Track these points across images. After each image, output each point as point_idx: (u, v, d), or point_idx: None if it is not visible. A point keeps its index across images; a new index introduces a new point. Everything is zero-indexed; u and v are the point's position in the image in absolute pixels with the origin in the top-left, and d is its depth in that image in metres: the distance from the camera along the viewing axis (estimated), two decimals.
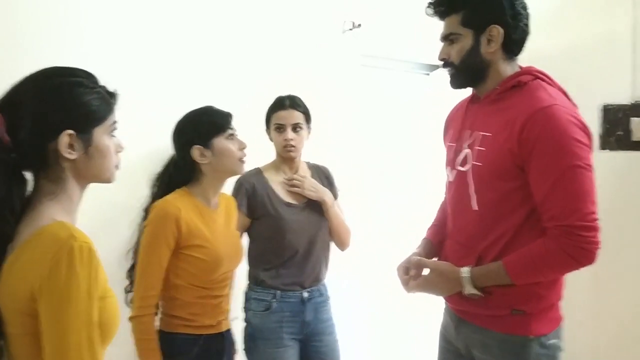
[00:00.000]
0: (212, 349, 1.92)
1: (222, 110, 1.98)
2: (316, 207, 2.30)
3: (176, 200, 1.87)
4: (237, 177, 2.14)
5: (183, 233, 1.84)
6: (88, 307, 1.05)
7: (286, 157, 2.28)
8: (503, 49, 1.68)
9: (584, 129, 1.60)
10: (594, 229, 1.53)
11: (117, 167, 1.23)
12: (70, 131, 1.12)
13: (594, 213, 1.54)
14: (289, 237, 2.21)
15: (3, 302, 1.08)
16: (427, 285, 1.75)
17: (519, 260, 1.60)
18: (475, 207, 1.69)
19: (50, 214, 1.12)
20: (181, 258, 1.86)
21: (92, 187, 1.23)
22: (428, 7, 1.76)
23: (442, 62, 1.78)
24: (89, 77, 1.20)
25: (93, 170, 1.18)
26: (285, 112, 2.26)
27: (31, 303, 1.05)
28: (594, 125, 3.14)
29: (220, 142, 1.92)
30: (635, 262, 3.07)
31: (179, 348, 1.87)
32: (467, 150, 1.72)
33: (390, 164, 3.57)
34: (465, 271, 1.66)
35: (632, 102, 3.08)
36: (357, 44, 2.97)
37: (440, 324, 1.94)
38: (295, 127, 2.25)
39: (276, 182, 2.28)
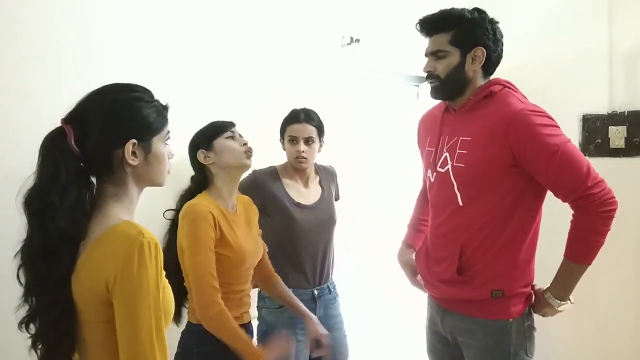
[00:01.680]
0: None
1: (224, 120, 2.08)
2: (326, 208, 2.42)
3: (204, 202, 1.95)
4: (251, 170, 2.22)
5: (216, 232, 1.91)
6: (156, 296, 1.18)
7: (297, 167, 2.39)
8: (482, 69, 1.91)
9: (546, 114, 1.84)
10: (601, 181, 1.80)
11: (169, 171, 1.37)
12: (134, 140, 1.26)
13: (593, 172, 1.79)
14: (299, 235, 2.33)
15: (78, 293, 1.20)
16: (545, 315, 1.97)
17: (577, 248, 1.83)
18: (460, 203, 1.88)
19: (117, 214, 1.26)
20: None
21: None
22: (418, 23, 1.95)
23: (426, 74, 1.97)
24: (145, 92, 1.34)
25: (150, 175, 1.32)
26: (299, 125, 2.37)
27: (106, 293, 1.17)
28: (575, 133, 3.33)
29: (219, 141, 2.01)
30: (613, 262, 3.25)
31: (203, 339, 1.94)
32: (446, 154, 1.93)
33: (386, 167, 3.69)
34: (549, 297, 1.89)
35: (610, 112, 3.27)
36: (355, 57, 3.10)
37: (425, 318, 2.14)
38: (308, 140, 2.36)
39: (288, 184, 2.39)
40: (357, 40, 3.07)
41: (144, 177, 1.31)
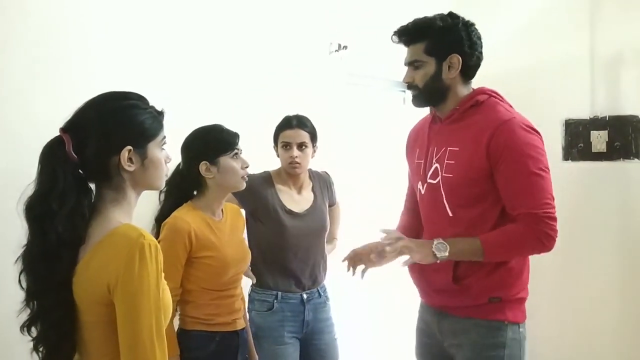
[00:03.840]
0: (227, 346, 2.04)
1: (231, 131, 2.09)
2: (317, 216, 2.46)
3: (186, 216, 2.00)
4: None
5: (194, 245, 1.97)
6: (156, 295, 1.21)
7: (291, 173, 2.41)
8: (461, 74, 1.90)
9: (537, 134, 1.85)
10: (555, 219, 1.78)
11: (166, 175, 1.42)
12: (129, 147, 1.29)
13: (554, 207, 1.79)
14: (289, 242, 2.35)
15: (79, 295, 1.24)
16: (404, 250, 1.84)
17: (494, 238, 1.81)
18: (450, 213, 1.88)
19: (117, 217, 1.30)
20: (192, 265, 1.99)
21: None
22: (394, 35, 1.96)
23: (406, 84, 1.98)
24: (140, 99, 1.37)
25: (148, 179, 1.36)
26: (292, 131, 2.40)
27: (107, 294, 1.21)
28: (557, 138, 3.40)
29: (225, 160, 2.04)
30: (596, 263, 3.33)
31: (196, 344, 1.98)
32: (436, 165, 1.92)
33: (374, 171, 3.72)
34: (436, 241, 1.81)
35: (591, 116, 3.35)
36: (342, 64, 3.15)
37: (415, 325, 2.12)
38: (301, 146, 2.39)
39: (281, 190, 2.42)
40: (345, 47, 3.12)
41: (141, 182, 1.35)
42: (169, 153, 1.42)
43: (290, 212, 2.40)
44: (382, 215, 3.75)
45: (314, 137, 2.45)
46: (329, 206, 2.60)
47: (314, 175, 2.57)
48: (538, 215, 1.76)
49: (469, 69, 1.91)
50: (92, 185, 1.33)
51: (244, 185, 2.10)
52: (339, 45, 3.11)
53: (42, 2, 2.11)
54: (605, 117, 3.31)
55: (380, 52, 3.33)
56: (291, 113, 2.49)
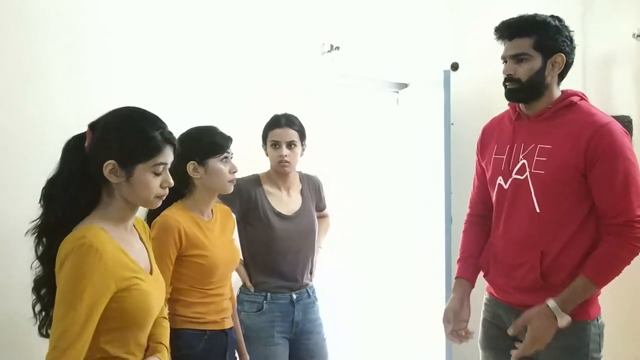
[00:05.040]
0: (216, 344, 2.05)
1: (224, 134, 2.10)
2: (306, 218, 2.46)
3: (175, 214, 2.01)
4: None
5: (184, 243, 1.98)
6: (78, 288, 1.31)
7: (281, 172, 2.42)
8: (558, 74, 1.95)
9: (630, 140, 1.91)
10: None
11: (158, 197, 1.49)
12: (113, 161, 1.40)
13: None
14: (278, 244, 2.36)
15: None
16: (538, 335, 1.86)
17: (598, 267, 1.84)
18: (537, 209, 1.90)
19: (92, 219, 1.42)
20: (182, 264, 2.00)
21: None
22: (500, 26, 1.98)
23: (505, 77, 1.97)
24: (152, 123, 1.47)
25: (133, 195, 1.45)
26: (281, 130, 2.40)
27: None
28: None
29: (214, 162, 2.04)
30: None
31: (185, 342, 1.98)
32: (523, 161, 1.94)
33: (367, 172, 3.75)
34: (552, 304, 1.84)
35: None
36: (334, 64, 3.16)
37: (482, 313, 2.12)
38: (290, 144, 2.40)
39: (270, 192, 2.43)
40: (337, 48, 3.13)
41: (127, 195, 1.45)
42: (169, 178, 1.49)
43: (279, 215, 2.41)
44: (373, 217, 3.79)
45: (302, 135, 2.46)
46: (319, 211, 2.61)
47: (303, 178, 2.58)
48: (631, 221, 1.81)
49: (566, 70, 1.97)
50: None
51: (231, 189, 2.11)
52: (331, 46, 3.13)
53: (35, 1, 2.12)
54: None
55: (372, 53, 3.36)
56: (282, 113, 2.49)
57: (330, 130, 3.25)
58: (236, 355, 2.23)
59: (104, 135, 1.42)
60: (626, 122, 3.23)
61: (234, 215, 2.33)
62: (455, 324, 2.07)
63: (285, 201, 2.46)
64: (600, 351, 1.94)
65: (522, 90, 1.95)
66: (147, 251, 1.58)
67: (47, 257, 1.41)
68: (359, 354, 3.53)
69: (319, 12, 3.14)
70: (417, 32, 3.60)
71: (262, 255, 2.39)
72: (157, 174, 1.45)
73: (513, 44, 1.95)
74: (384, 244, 3.70)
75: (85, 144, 1.42)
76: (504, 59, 1.98)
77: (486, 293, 2.12)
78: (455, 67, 3.17)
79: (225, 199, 2.27)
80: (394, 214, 3.76)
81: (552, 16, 1.97)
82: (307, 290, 2.48)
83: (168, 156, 1.47)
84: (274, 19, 2.94)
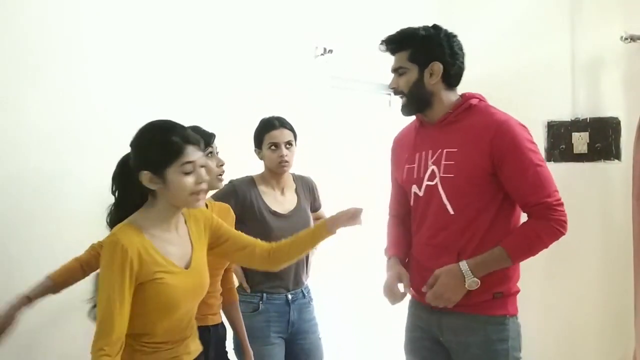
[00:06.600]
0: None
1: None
2: (301, 217, 2.49)
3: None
4: (229, 180, 2.31)
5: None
6: (110, 280, 1.51)
7: (280, 172, 2.46)
8: (443, 81, 1.99)
9: (529, 132, 1.96)
10: (563, 205, 1.90)
11: (195, 194, 1.60)
12: (146, 172, 1.57)
13: (558, 194, 1.90)
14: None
15: None
16: (442, 291, 1.90)
17: (516, 241, 1.90)
18: (451, 211, 1.95)
19: (131, 218, 1.61)
20: None
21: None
22: (381, 44, 2.05)
23: (392, 90, 2.07)
24: (168, 128, 1.60)
25: (172, 197, 1.61)
26: (278, 131, 2.44)
27: None
28: (540, 139, 3.45)
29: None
30: (578, 262, 3.39)
31: None
32: (432, 167, 1.99)
33: (359, 174, 3.77)
34: (463, 264, 1.88)
35: (572, 118, 3.41)
36: (327, 67, 3.20)
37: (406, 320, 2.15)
38: (287, 144, 2.44)
39: (265, 192, 2.46)
40: (330, 51, 3.17)
41: (169, 198, 1.61)
42: (202, 175, 1.61)
43: (275, 213, 2.43)
44: (366, 218, 3.80)
45: (295, 135, 2.51)
46: (314, 211, 2.64)
47: (297, 178, 2.61)
48: (551, 203, 1.87)
49: (451, 77, 2.01)
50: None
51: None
52: (325, 49, 3.16)
53: (34, 2, 2.14)
54: (586, 119, 3.37)
55: (365, 56, 3.37)
56: (268, 116, 2.52)
57: (324, 132, 3.28)
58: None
59: (134, 151, 1.62)
60: (614, 123, 3.30)
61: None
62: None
63: (280, 200, 2.48)
64: (520, 351, 1.97)
65: (409, 102, 2.03)
66: (193, 248, 1.71)
67: None
68: (354, 353, 3.55)
69: (313, 16, 3.17)
70: None
71: None
72: (187, 173, 1.57)
73: (395, 58, 2.04)
74: (377, 244, 3.71)
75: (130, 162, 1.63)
76: (392, 72, 2.06)
77: (409, 296, 2.13)
78: None
79: (222, 200, 2.28)
80: (387, 215, 3.78)
81: (427, 26, 2.03)
82: (302, 291, 2.50)
83: (193, 154, 1.58)
84: (268, 23, 2.96)
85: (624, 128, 3.27)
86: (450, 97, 2.02)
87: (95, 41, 2.31)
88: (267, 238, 2.35)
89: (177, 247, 1.66)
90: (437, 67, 1.96)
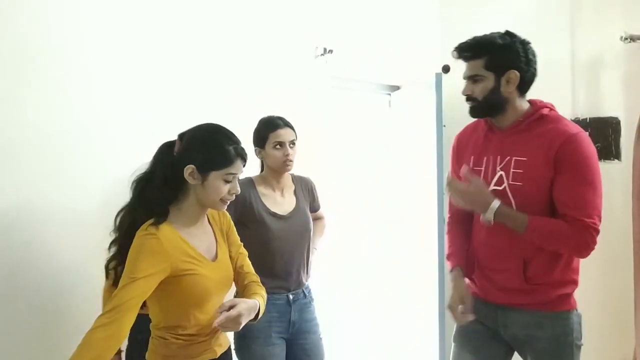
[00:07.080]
0: None
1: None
2: (301, 218, 2.49)
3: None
4: None
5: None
6: (133, 269, 1.62)
7: (283, 171, 2.46)
8: (517, 89, 2.02)
9: (595, 148, 2.00)
10: (598, 232, 1.92)
11: (224, 201, 1.77)
12: (192, 166, 1.71)
13: (600, 222, 1.93)
14: (274, 244, 2.39)
15: None
16: (465, 195, 1.99)
17: (540, 223, 1.93)
18: None
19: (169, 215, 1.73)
20: None
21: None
22: (454, 50, 2.07)
23: (465, 97, 2.08)
24: (228, 138, 1.76)
25: (204, 196, 1.75)
26: (283, 130, 2.44)
27: None
28: None
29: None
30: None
31: (147, 327, 1.89)
32: (501, 172, 2.03)
33: (359, 173, 3.79)
34: (496, 203, 1.94)
35: (573, 118, 3.37)
36: (327, 67, 3.20)
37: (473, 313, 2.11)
38: (291, 144, 2.45)
39: (264, 193, 2.46)
40: (331, 51, 3.17)
41: (200, 196, 1.75)
42: (237, 187, 1.77)
43: (274, 215, 2.43)
44: (367, 218, 3.82)
45: (296, 135, 2.52)
46: (313, 211, 2.64)
47: (296, 179, 2.61)
48: (587, 224, 1.90)
49: (525, 84, 2.03)
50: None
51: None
52: (325, 49, 3.17)
53: (34, 2, 2.14)
54: (586, 118, 3.36)
55: (365, 56, 3.39)
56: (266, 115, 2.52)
57: (324, 132, 3.28)
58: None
59: (190, 144, 1.74)
60: (614, 123, 3.30)
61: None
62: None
63: (280, 202, 2.48)
64: (581, 339, 2.05)
65: (481, 107, 2.05)
66: (217, 243, 1.86)
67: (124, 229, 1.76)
68: (355, 353, 3.55)
69: (313, 16, 3.17)
70: (408, 35, 3.65)
71: (259, 256, 2.37)
72: (227, 182, 1.74)
73: (468, 66, 2.06)
74: (377, 244, 3.73)
75: (175, 150, 1.74)
76: (464, 78, 2.08)
77: None
78: (446, 69, 3.20)
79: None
80: (387, 215, 3.80)
81: (502, 35, 2.05)
82: (303, 291, 2.50)
83: (238, 168, 1.76)
84: (269, 23, 2.96)
85: (623, 128, 3.26)
86: (522, 104, 2.05)
87: (95, 41, 2.31)
88: (267, 239, 2.39)
89: (204, 242, 1.81)
90: (514, 75, 1.99)
